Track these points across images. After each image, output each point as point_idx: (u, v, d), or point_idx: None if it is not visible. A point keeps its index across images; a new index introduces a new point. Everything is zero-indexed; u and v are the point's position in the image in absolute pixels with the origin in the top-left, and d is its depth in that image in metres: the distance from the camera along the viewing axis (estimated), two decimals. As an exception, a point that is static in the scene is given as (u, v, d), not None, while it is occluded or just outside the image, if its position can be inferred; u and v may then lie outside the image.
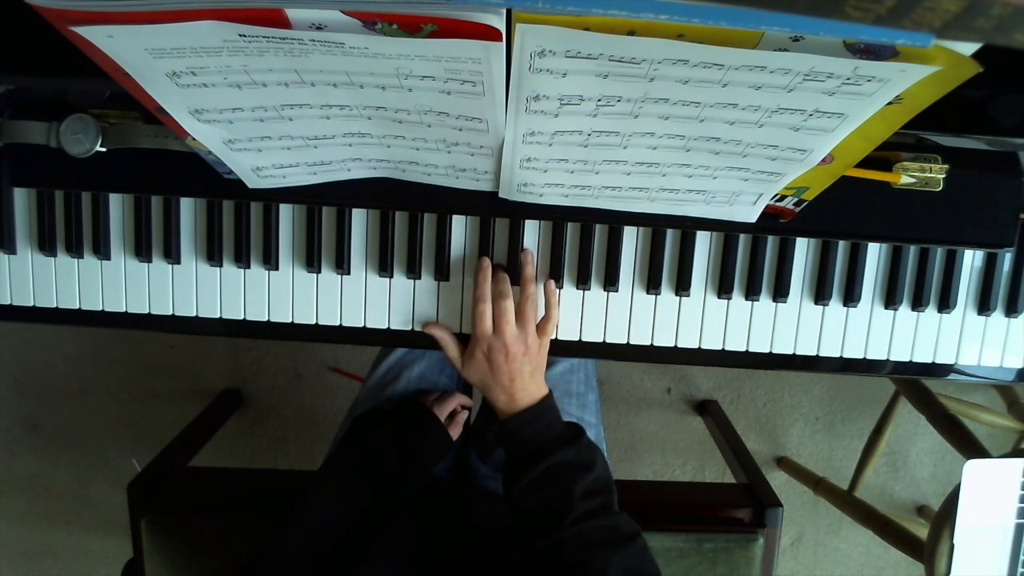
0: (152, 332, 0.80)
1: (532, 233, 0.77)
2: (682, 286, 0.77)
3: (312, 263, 0.77)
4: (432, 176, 0.67)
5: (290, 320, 0.78)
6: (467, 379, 0.74)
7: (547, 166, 0.62)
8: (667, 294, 0.78)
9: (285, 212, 0.77)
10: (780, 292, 0.77)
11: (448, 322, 0.78)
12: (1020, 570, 0.95)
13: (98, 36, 0.44)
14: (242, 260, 0.77)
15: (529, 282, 0.73)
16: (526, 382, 0.70)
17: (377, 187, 0.69)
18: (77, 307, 0.79)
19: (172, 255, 0.77)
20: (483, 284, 0.72)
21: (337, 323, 0.79)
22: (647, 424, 1.72)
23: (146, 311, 0.79)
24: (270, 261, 0.77)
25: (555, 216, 0.74)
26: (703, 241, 0.77)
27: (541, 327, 0.73)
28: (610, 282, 0.77)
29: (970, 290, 0.79)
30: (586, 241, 0.76)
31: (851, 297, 0.77)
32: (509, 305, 0.71)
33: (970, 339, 0.79)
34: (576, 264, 0.77)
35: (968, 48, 0.41)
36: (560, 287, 0.77)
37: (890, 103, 0.48)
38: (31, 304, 0.79)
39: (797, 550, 1.78)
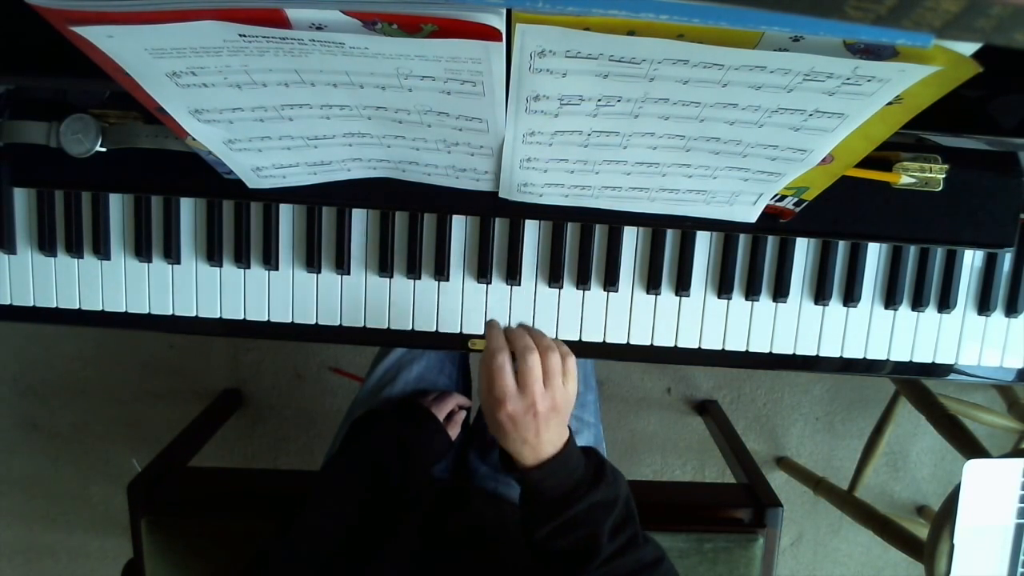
0: (152, 332, 0.80)
1: (532, 233, 0.77)
2: (682, 286, 0.77)
3: (312, 263, 0.77)
4: (432, 176, 0.67)
5: (290, 320, 0.78)
6: (488, 424, 0.65)
7: (547, 166, 0.62)
8: (667, 294, 0.78)
9: (285, 212, 0.77)
10: (780, 292, 0.77)
11: (448, 323, 0.78)
12: (1020, 570, 0.95)
13: (98, 36, 0.44)
14: (242, 260, 0.77)
15: (541, 336, 0.64)
16: (551, 435, 0.63)
17: (377, 187, 0.69)
18: (77, 307, 0.79)
19: (172, 255, 0.77)
20: (498, 336, 0.63)
21: (337, 323, 0.79)
22: (647, 424, 1.72)
23: (146, 311, 0.79)
24: (270, 261, 0.77)
25: (555, 216, 0.74)
26: (703, 241, 0.77)
27: (565, 377, 0.64)
28: (610, 282, 0.77)
29: (970, 290, 0.79)
30: (586, 241, 0.76)
31: (851, 297, 0.77)
32: (535, 361, 0.61)
33: (970, 339, 0.79)
34: (576, 264, 0.77)
35: (968, 48, 0.41)
36: (560, 287, 0.77)
37: (890, 103, 0.48)
38: (31, 304, 0.79)
39: (797, 550, 1.78)
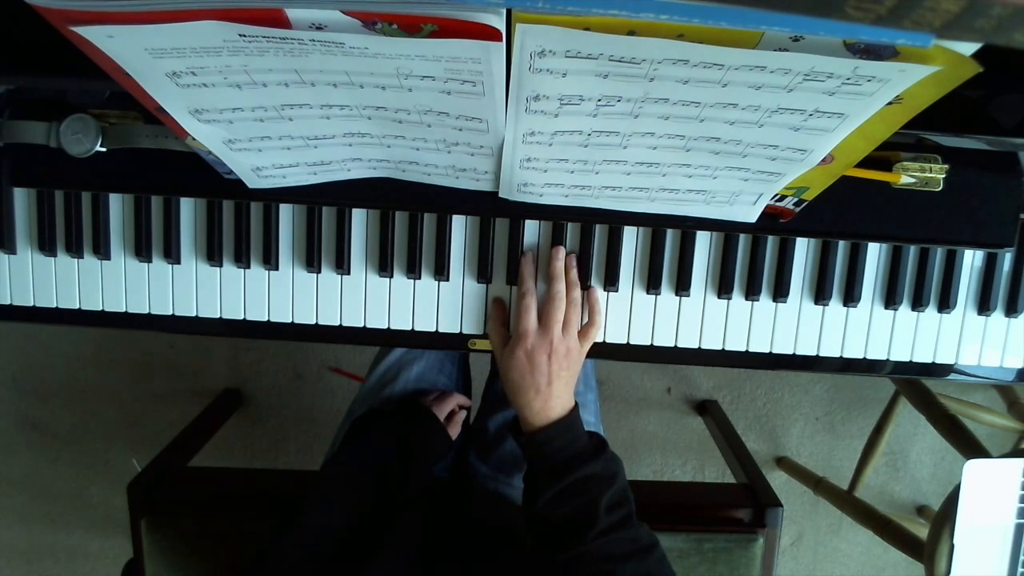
0: (152, 332, 0.80)
1: (532, 233, 0.77)
2: (682, 286, 0.77)
3: (312, 263, 0.77)
4: (432, 176, 0.67)
5: (290, 320, 0.78)
6: (503, 377, 0.72)
7: (547, 166, 0.62)
8: (667, 294, 0.78)
9: (285, 212, 0.77)
10: (780, 292, 0.77)
11: (448, 322, 0.78)
12: (1020, 570, 0.95)
13: (98, 36, 0.44)
14: (242, 260, 0.77)
15: (574, 286, 0.72)
16: (560, 388, 0.69)
17: (377, 187, 0.69)
18: (77, 307, 0.79)
19: (172, 255, 0.77)
20: (528, 279, 0.72)
21: (337, 323, 0.79)
22: (647, 424, 1.72)
23: (146, 311, 0.79)
24: (270, 261, 0.77)
25: (555, 216, 0.74)
26: (703, 241, 0.77)
27: (584, 332, 0.72)
28: (610, 282, 0.77)
29: (970, 290, 0.79)
30: (586, 241, 0.76)
31: (851, 297, 0.77)
32: (559, 306, 0.70)
33: (970, 339, 0.79)
34: (576, 264, 0.77)
35: (968, 48, 0.41)
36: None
37: (890, 103, 0.48)
38: (31, 304, 0.79)
39: (797, 550, 1.78)
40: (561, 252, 0.74)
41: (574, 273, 0.73)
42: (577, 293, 0.72)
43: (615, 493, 0.67)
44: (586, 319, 0.75)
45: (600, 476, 0.67)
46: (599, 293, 0.75)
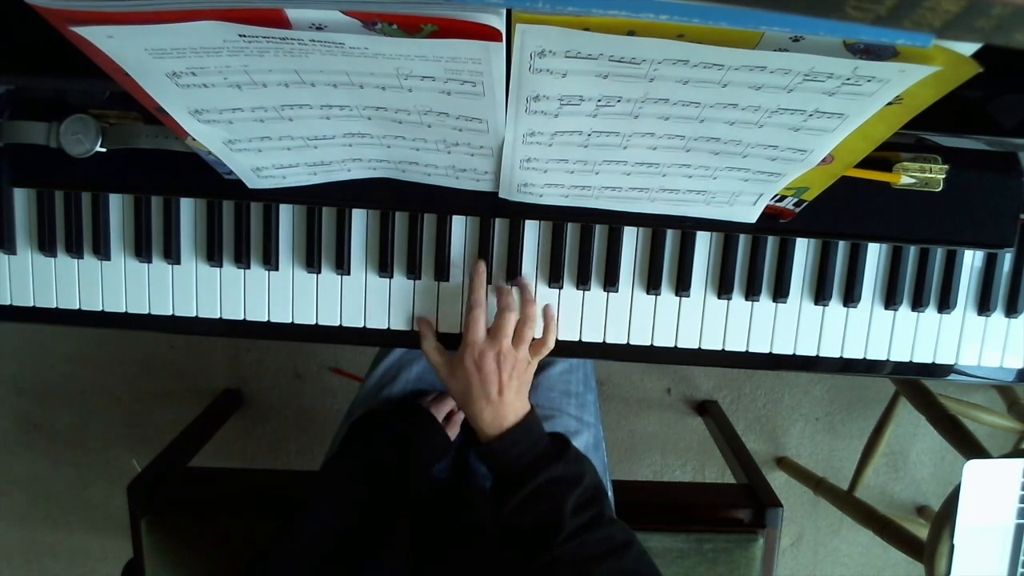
0: (152, 332, 0.80)
1: (532, 233, 0.77)
2: (682, 286, 0.77)
3: (312, 263, 0.77)
4: (432, 176, 0.67)
5: (290, 320, 0.78)
6: (449, 388, 0.71)
7: (547, 166, 0.62)
8: (667, 294, 0.78)
9: (285, 212, 0.77)
10: (780, 292, 0.77)
11: (448, 323, 0.78)
12: (1020, 570, 0.95)
13: (98, 36, 0.44)
14: (242, 260, 0.77)
15: (529, 304, 0.72)
16: (512, 397, 0.68)
17: (377, 187, 0.69)
18: (77, 307, 0.79)
19: (172, 255, 0.77)
20: (479, 289, 0.72)
21: (337, 323, 0.79)
22: (647, 424, 1.72)
23: (146, 311, 0.79)
24: (270, 261, 0.77)
25: (555, 216, 0.74)
26: (703, 241, 0.77)
27: (534, 348, 0.72)
28: (610, 282, 0.77)
29: (970, 290, 0.79)
30: (586, 241, 0.76)
31: (851, 297, 0.77)
32: (511, 318, 0.69)
33: (970, 339, 0.79)
34: (576, 264, 0.77)
35: (968, 48, 0.41)
36: (560, 287, 0.77)
37: (890, 103, 0.48)
38: (31, 304, 0.79)
39: (797, 550, 1.78)
40: (509, 284, 0.75)
41: (529, 292, 0.74)
42: (532, 309, 0.71)
43: (582, 493, 0.66)
44: (539, 334, 0.74)
45: (564, 478, 0.66)
46: (553, 310, 0.75)
